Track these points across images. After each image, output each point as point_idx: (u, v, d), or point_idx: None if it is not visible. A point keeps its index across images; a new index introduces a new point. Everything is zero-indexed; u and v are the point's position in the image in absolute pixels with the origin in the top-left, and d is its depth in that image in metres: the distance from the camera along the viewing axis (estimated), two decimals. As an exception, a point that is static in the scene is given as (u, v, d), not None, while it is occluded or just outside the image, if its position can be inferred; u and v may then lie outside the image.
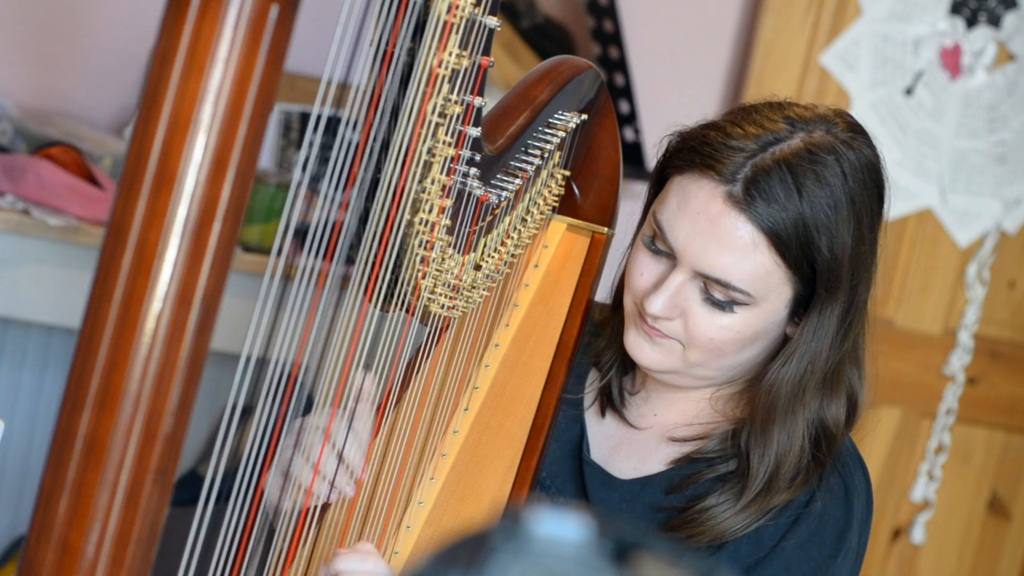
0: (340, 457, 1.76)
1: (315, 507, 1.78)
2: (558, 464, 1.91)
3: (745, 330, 1.79)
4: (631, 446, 1.90)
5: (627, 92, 3.56)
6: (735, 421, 1.86)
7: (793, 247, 1.75)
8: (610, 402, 1.92)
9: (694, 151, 1.79)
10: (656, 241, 1.82)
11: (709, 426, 1.87)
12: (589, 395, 1.95)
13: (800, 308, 1.81)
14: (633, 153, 3.49)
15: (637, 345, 1.84)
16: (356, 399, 1.76)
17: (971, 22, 3.74)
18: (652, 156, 3.72)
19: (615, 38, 3.59)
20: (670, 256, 1.81)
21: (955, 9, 3.73)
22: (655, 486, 1.86)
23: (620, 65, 3.58)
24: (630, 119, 3.55)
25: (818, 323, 1.79)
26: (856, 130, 1.81)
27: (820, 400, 1.82)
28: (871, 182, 1.80)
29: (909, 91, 3.74)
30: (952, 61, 3.75)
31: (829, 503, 1.81)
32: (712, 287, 1.78)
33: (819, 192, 1.75)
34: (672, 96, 3.69)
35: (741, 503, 1.79)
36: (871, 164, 1.80)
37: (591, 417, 1.94)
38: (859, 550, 1.83)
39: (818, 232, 1.75)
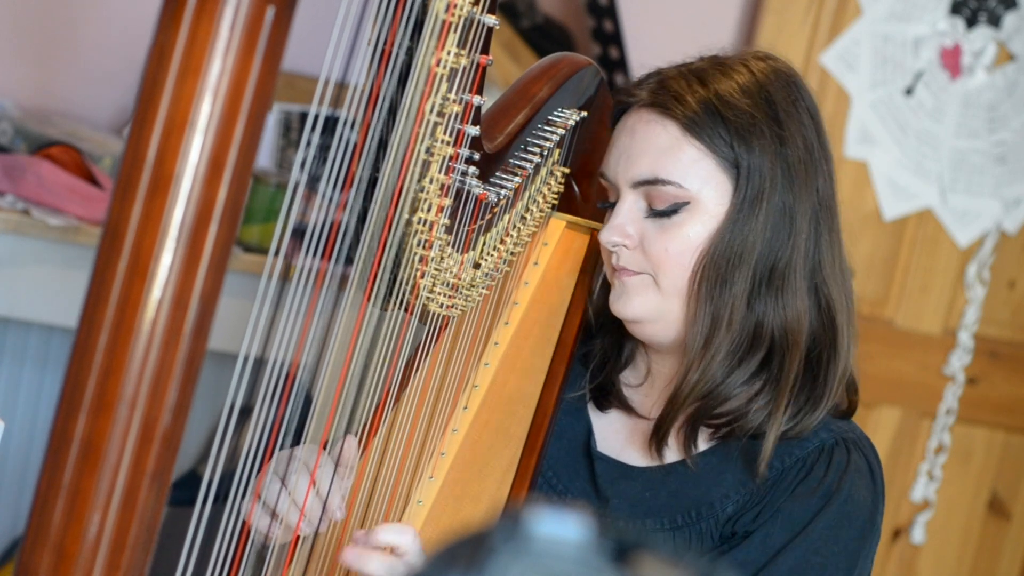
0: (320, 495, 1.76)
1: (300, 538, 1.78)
2: (565, 462, 1.91)
3: (697, 235, 1.81)
4: (643, 436, 1.90)
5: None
6: None
7: (706, 128, 1.80)
8: (609, 397, 1.92)
9: (615, 104, 1.89)
10: (606, 198, 1.88)
11: None
12: (585, 395, 1.95)
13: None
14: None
15: (617, 300, 1.86)
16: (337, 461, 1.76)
17: (971, 22, 3.74)
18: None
19: (615, 38, 3.59)
20: (617, 199, 1.85)
21: (955, 9, 3.73)
22: (678, 473, 1.86)
23: (620, 65, 3.58)
24: (630, 118, 3.55)
25: (746, 206, 1.81)
26: (772, 56, 1.88)
27: (766, 291, 1.82)
28: (793, 90, 1.85)
29: (909, 91, 3.74)
30: (952, 61, 3.75)
31: (857, 484, 1.82)
32: (653, 198, 1.82)
33: (726, 84, 1.82)
34: (672, 96, 3.68)
35: (685, 373, 1.82)
36: (791, 78, 1.86)
37: (593, 413, 1.93)
38: (880, 532, 1.85)
39: (729, 118, 1.80)
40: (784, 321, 1.82)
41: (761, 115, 1.81)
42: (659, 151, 1.81)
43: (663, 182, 1.80)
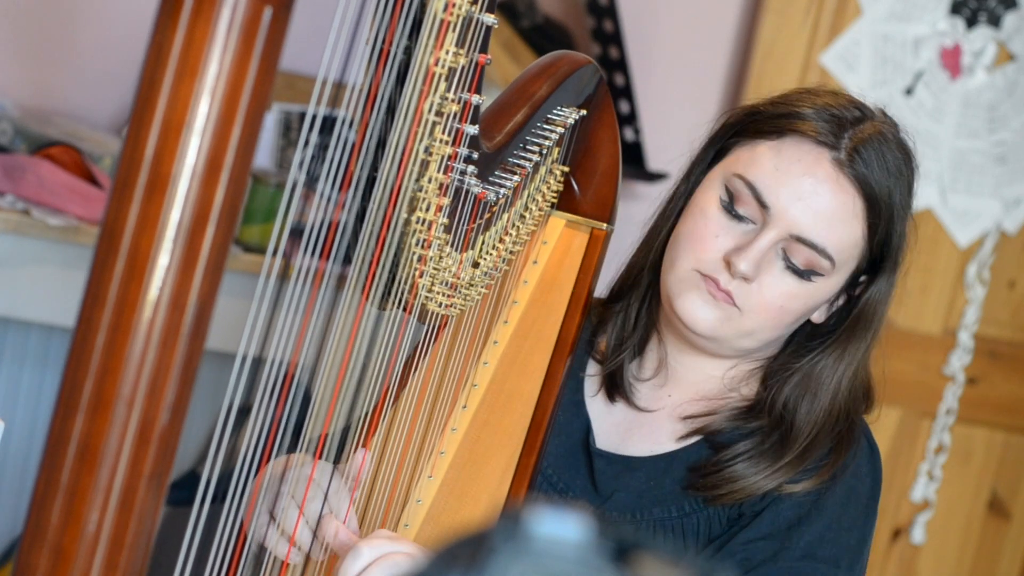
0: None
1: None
2: (564, 459, 1.91)
3: (811, 301, 1.83)
4: (643, 429, 1.90)
5: (627, 92, 3.56)
6: (744, 399, 1.87)
7: (883, 219, 1.81)
8: (618, 388, 1.92)
9: (784, 118, 1.83)
10: (736, 205, 1.83)
11: (717, 402, 1.88)
12: (593, 382, 1.95)
13: (851, 289, 1.87)
14: (633, 153, 3.49)
15: (696, 307, 1.83)
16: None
17: (971, 22, 3.74)
18: (652, 156, 3.73)
19: (615, 38, 3.59)
20: (751, 221, 1.82)
21: (955, 9, 3.73)
22: (680, 462, 1.86)
23: (620, 65, 3.58)
24: (630, 119, 3.55)
25: (877, 300, 1.86)
26: (896, 124, 1.90)
27: (855, 369, 1.87)
28: (914, 171, 1.87)
29: (909, 91, 3.74)
30: (952, 61, 3.75)
31: (861, 460, 1.84)
32: (795, 253, 1.80)
33: (899, 171, 1.82)
34: (672, 96, 3.68)
35: (777, 465, 1.82)
36: (913, 155, 1.88)
37: (596, 406, 1.93)
38: (878, 508, 1.87)
39: (898, 208, 1.82)
40: (856, 396, 1.87)
41: (907, 212, 1.84)
42: (837, 222, 1.80)
43: (824, 255, 1.80)
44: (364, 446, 1.82)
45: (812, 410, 1.83)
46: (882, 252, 1.84)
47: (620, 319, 1.94)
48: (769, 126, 1.83)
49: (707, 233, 1.83)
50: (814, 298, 1.83)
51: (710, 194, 1.85)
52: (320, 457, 1.78)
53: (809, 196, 1.79)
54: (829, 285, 1.83)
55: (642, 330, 1.93)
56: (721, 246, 1.82)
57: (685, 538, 1.83)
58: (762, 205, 1.80)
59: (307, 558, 1.78)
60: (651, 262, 1.92)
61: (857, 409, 1.87)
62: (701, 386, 1.90)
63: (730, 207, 1.83)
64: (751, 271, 1.79)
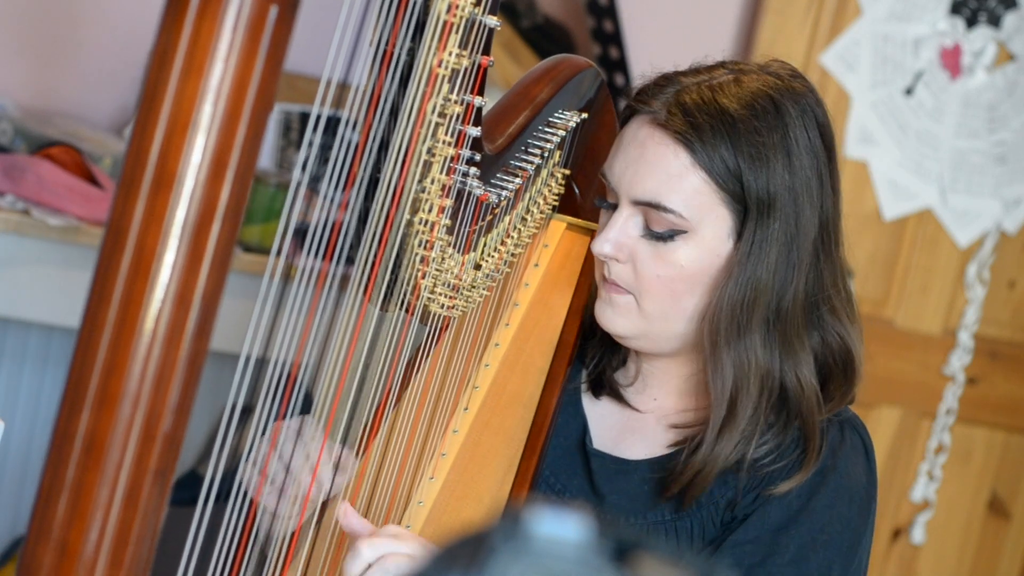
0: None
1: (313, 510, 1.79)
2: (561, 460, 1.91)
3: (690, 264, 1.80)
4: (635, 433, 1.90)
5: (627, 92, 3.56)
6: None
7: (717, 163, 1.78)
8: (603, 386, 1.93)
9: (631, 99, 1.84)
10: (607, 196, 1.86)
11: (705, 411, 1.87)
12: (581, 385, 1.96)
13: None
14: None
15: (602, 312, 1.86)
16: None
17: (971, 22, 3.74)
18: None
19: (615, 38, 3.59)
20: (613, 205, 1.84)
21: (955, 9, 3.73)
22: (675, 463, 1.86)
23: (620, 65, 3.58)
24: (630, 119, 3.55)
25: (754, 244, 1.80)
26: (794, 72, 1.86)
27: (776, 343, 1.82)
28: (808, 118, 1.82)
29: (909, 91, 3.74)
30: (952, 61, 3.75)
31: (853, 461, 1.83)
32: (651, 219, 1.80)
33: (743, 114, 1.78)
34: (672, 96, 3.68)
35: (710, 435, 1.80)
36: (807, 102, 1.83)
37: (591, 407, 1.94)
38: (875, 510, 1.86)
39: (741, 150, 1.78)
40: (797, 375, 1.82)
41: (773, 144, 1.79)
42: (666, 176, 1.79)
43: (664, 209, 1.79)
44: (366, 448, 1.82)
45: (715, 368, 1.81)
46: (741, 196, 1.79)
47: (598, 339, 1.95)
48: (623, 116, 1.86)
49: (593, 246, 1.86)
50: (691, 260, 1.80)
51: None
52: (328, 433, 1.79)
53: (636, 161, 1.80)
54: (699, 243, 1.80)
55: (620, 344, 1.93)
56: (597, 234, 1.85)
57: (679, 541, 1.83)
58: (611, 188, 1.83)
59: (308, 557, 1.79)
60: None
61: (807, 388, 1.82)
62: (681, 387, 1.90)
63: (602, 201, 1.86)
64: (610, 249, 1.81)
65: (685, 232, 1.80)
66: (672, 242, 1.80)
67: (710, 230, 1.80)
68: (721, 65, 1.84)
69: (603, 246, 1.82)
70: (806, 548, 1.78)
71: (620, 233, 1.81)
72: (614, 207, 1.84)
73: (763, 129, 1.78)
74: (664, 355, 1.88)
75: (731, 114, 1.78)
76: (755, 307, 1.80)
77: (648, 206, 1.79)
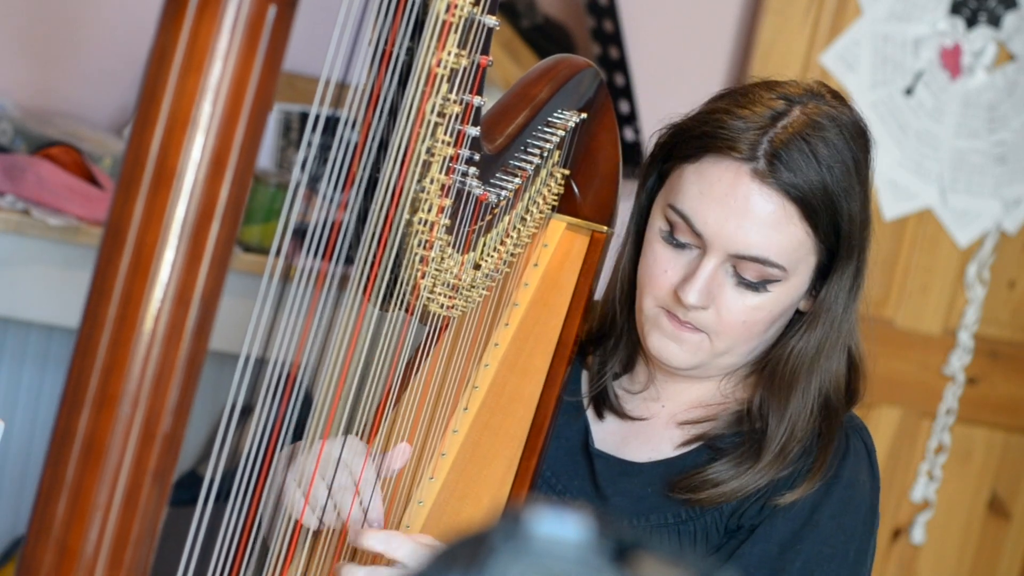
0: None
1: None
2: (563, 462, 1.91)
3: (775, 308, 1.81)
4: (640, 437, 1.90)
5: (627, 92, 3.56)
6: (740, 402, 1.87)
7: (822, 214, 1.77)
8: (607, 405, 1.92)
9: (701, 138, 1.80)
10: (676, 234, 1.82)
11: (715, 408, 1.87)
12: (584, 398, 1.96)
13: (818, 279, 1.84)
14: (633, 153, 3.49)
15: (664, 347, 1.84)
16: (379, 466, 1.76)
17: (971, 22, 3.74)
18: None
19: (615, 38, 3.59)
20: (694, 246, 1.81)
21: (955, 9, 3.73)
22: (676, 468, 1.86)
23: (620, 65, 3.58)
24: (630, 119, 3.55)
25: (838, 288, 1.82)
26: (839, 98, 1.86)
27: (830, 362, 1.85)
28: (865, 145, 1.84)
29: (909, 91, 3.74)
30: (952, 61, 3.75)
31: (857, 468, 1.83)
32: (744, 268, 1.79)
33: (833, 157, 1.78)
34: (672, 96, 3.68)
35: (758, 467, 1.80)
36: (862, 128, 1.84)
37: (591, 416, 1.94)
38: (879, 515, 1.87)
39: (839, 196, 1.78)
40: (832, 393, 1.84)
41: (854, 183, 1.79)
42: (771, 227, 1.77)
43: (770, 264, 1.78)
44: (367, 442, 1.82)
45: (782, 406, 1.82)
46: (835, 241, 1.81)
47: (603, 350, 1.95)
48: (690, 147, 1.81)
49: (657, 269, 1.83)
50: (778, 304, 1.81)
51: (654, 227, 1.85)
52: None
53: (737, 214, 1.77)
54: (789, 288, 1.81)
55: (627, 349, 1.93)
56: (671, 280, 1.82)
57: (682, 544, 1.83)
58: (695, 232, 1.80)
59: (310, 553, 1.79)
60: (621, 297, 1.92)
61: (838, 402, 1.85)
62: (695, 394, 1.90)
63: (670, 238, 1.83)
64: (699, 300, 1.79)
65: (779, 281, 1.80)
66: (764, 291, 1.80)
67: (800, 276, 1.81)
68: (770, 91, 1.82)
69: (693, 297, 1.79)
70: (812, 563, 1.78)
71: (710, 283, 1.80)
72: (691, 247, 1.81)
73: (849, 169, 1.79)
74: (703, 378, 1.89)
75: (827, 160, 1.77)
76: (831, 348, 1.83)
77: (749, 260, 1.78)
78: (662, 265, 1.83)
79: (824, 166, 1.77)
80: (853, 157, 1.80)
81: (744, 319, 1.80)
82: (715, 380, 1.89)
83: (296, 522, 1.75)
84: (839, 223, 1.79)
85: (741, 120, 1.78)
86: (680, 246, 1.82)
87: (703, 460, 1.85)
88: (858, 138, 1.82)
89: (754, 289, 1.79)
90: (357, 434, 1.81)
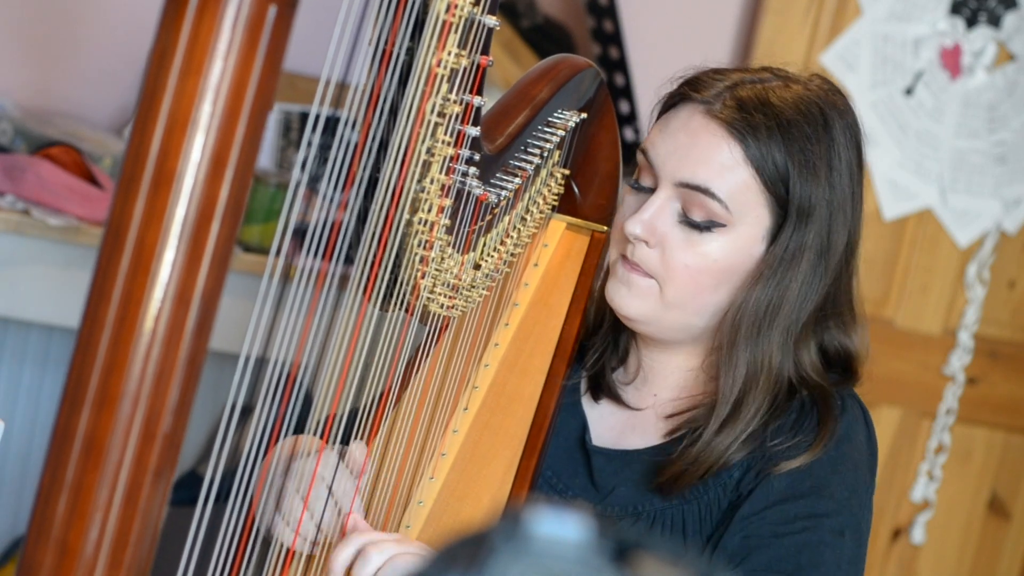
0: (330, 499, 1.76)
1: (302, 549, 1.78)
2: (562, 459, 1.91)
3: (722, 259, 1.81)
4: (636, 428, 1.91)
5: (627, 92, 3.56)
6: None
7: (768, 164, 1.79)
8: (602, 389, 1.93)
9: (677, 92, 1.86)
10: (639, 179, 1.86)
11: (700, 397, 1.88)
12: (582, 386, 1.96)
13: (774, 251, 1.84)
14: (633, 153, 3.49)
15: (615, 292, 1.86)
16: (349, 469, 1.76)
17: (971, 22, 3.74)
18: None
19: (615, 38, 3.59)
20: (652, 189, 1.84)
21: (955, 9, 3.73)
22: (662, 456, 1.86)
23: (620, 65, 3.58)
24: (630, 119, 3.55)
25: (790, 251, 1.81)
26: (835, 89, 1.87)
27: (790, 348, 1.83)
28: (849, 134, 1.84)
29: (909, 91, 3.74)
30: (952, 61, 3.75)
31: (855, 428, 1.84)
32: (691, 208, 1.81)
33: (796, 119, 1.80)
34: (672, 96, 3.68)
35: (711, 429, 1.81)
36: (849, 119, 1.85)
37: (588, 407, 1.94)
38: (875, 482, 1.86)
39: (792, 156, 1.80)
40: (801, 374, 1.84)
41: (820, 155, 1.81)
42: (718, 165, 1.80)
43: (711, 195, 1.80)
44: (367, 442, 1.82)
45: (729, 365, 1.82)
46: (785, 200, 1.81)
47: (600, 339, 1.95)
48: (668, 102, 1.87)
49: (621, 217, 1.87)
50: (725, 255, 1.81)
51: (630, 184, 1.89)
52: (326, 441, 1.78)
53: (685, 147, 1.81)
54: (735, 239, 1.81)
55: (621, 340, 1.93)
56: (627, 214, 1.86)
57: (686, 526, 1.83)
58: (650, 164, 1.84)
59: (310, 554, 1.79)
60: None
61: (817, 379, 1.84)
62: (681, 381, 1.91)
63: (635, 184, 1.87)
64: (643, 231, 1.82)
65: (723, 225, 1.81)
66: (708, 233, 1.81)
67: (747, 228, 1.81)
68: (766, 70, 1.87)
69: (635, 227, 1.82)
70: (816, 516, 1.78)
71: (655, 216, 1.82)
72: (650, 191, 1.84)
73: (813, 138, 1.81)
74: (666, 345, 1.89)
75: (786, 118, 1.80)
76: (779, 312, 1.82)
77: (694, 190, 1.80)
78: (624, 212, 1.86)
79: (781, 124, 1.80)
80: (830, 136, 1.82)
81: (686, 262, 1.81)
82: (696, 364, 1.89)
83: (252, 503, 1.75)
84: (789, 182, 1.80)
85: (715, 76, 1.84)
86: (641, 189, 1.85)
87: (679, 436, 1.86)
88: (839, 122, 1.83)
89: (698, 230, 1.81)
90: (357, 434, 1.81)
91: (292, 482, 1.76)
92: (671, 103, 1.86)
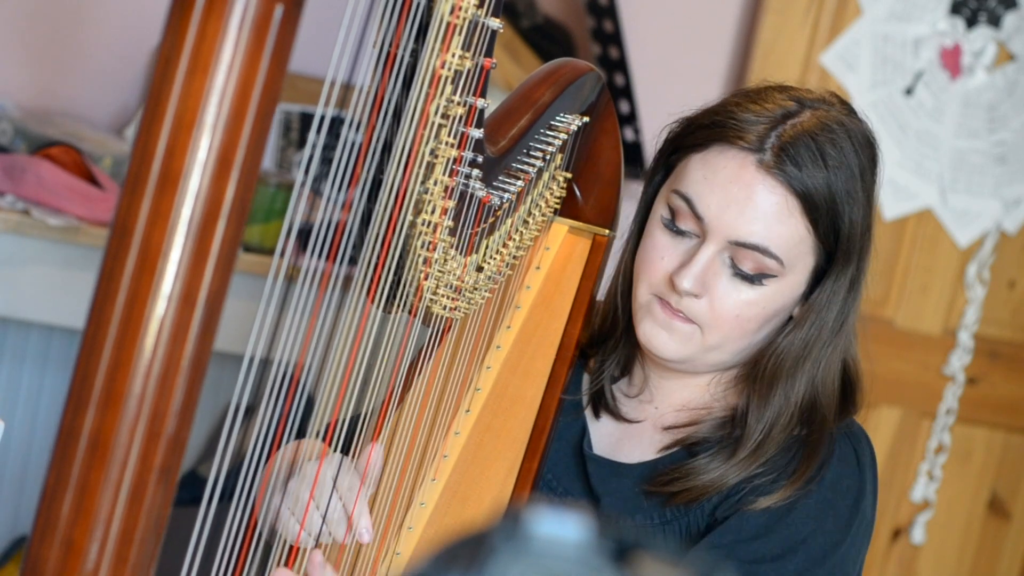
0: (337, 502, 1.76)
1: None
2: (562, 464, 1.91)
3: (769, 305, 1.81)
4: (633, 438, 1.90)
5: (627, 92, 3.57)
6: (727, 408, 1.87)
7: (823, 212, 1.78)
8: (603, 405, 1.93)
9: (711, 127, 1.81)
10: (677, 221, 1.83)
11: (702, 411, 1.87)
12: (583, 398, 1.96)
13: (814, 284, 1.84)
14: (633, 153, 3.49)
15: (655, 335, 1.83)
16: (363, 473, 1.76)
17: (971, 22, 3.75)
18: (652, 156, 3.73)
19: (615, 38, 3.59)
20: (694, 234, 1.81)
21: (955, 9, 3.73)
22: (655, 470, 1.86)
23: (620, 65, 3.58)
24: (630, 119, 3.55)
25: (831, 292, 1.82)
26: (850, 109, 1.86)
27: (817, 371, 1.84)
28: (872, 156, 1.84)
29: (909, 91, 3.75)
30: (952, 61, 3.75)
31: (840, 472, 1.82)
32: (742, 259, 1.79)
33: (839, 160, 1.79)
34: (672, 96, 3.68)
35: (732, 460, 1.80)
36: (870, 139, 1.85)
37: (589, 415, 1.94)
38: (871, 520, 1.85)
39: (842, 199, 1.79)
40: (818, 397, 1.84)
41: (858, 190, 1.80)
42: (772, 218, 1.78)
43: (768, 254, 1.78)
44: (373, 440, 1.82)
45: (762, 405, 1.82)
46: (834, 244, 1.81)
47: (603, 351, 1.95)
48: (699, 137, 1.82)
49: (654, 255, 1.84)
50: (773, 301, 1.81)
51: (656, 215, 1.85)
52: (329, 445, 1.78)
53: (740, 201, 1.78)
54: (784, 286, 1.81)
55: (626, 350, 1.93)
56: (667, 266, 1.82)
57: (667, 543, 1.82)
58: (697, 217, 1.80)
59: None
60: (622, 290, 1.92)
61: (826, 411, 1.83)
62: (686, 396, 1.90)
63: (671, 224, 1.83)
64: (694, 287, 1.79)
65: (775, 276, 1.80)
66: (759, 284, 1.80)
67: (796, 275, 1.81)
68: (783, 92, 1.83)
69: (686, 282, 1.79)
70: (780, 556, 1.77)
71: (706, 270, 1.80)
72: (691, 236, 1.82)
73: (854, 175, 1.80)
74: (690, 374, 1.89)
75: (833, 160, 1.78)
76: (815, 347, 1.82)
77: (747, 248, 1.78)
78: (660, 251, 1.83)
79: (830, 167, 1.78)
80: (859, 164, 1.81)
81: (737, 313, 1.80)
82: (705, 382, 1.89)
83: (255, 505, 1.75)
84: (839, 225, 1.79)
85: (751, 113, 1.79)
86: (680, 233, 1.83)
87: (680, 461, 1.85)
88: (866, 148, 1.83)
89: (749, 282, 1.79)
90: (359, 435, 1.81)
91: (295, 481, 1.76)
92: (705, 141, 1.82)
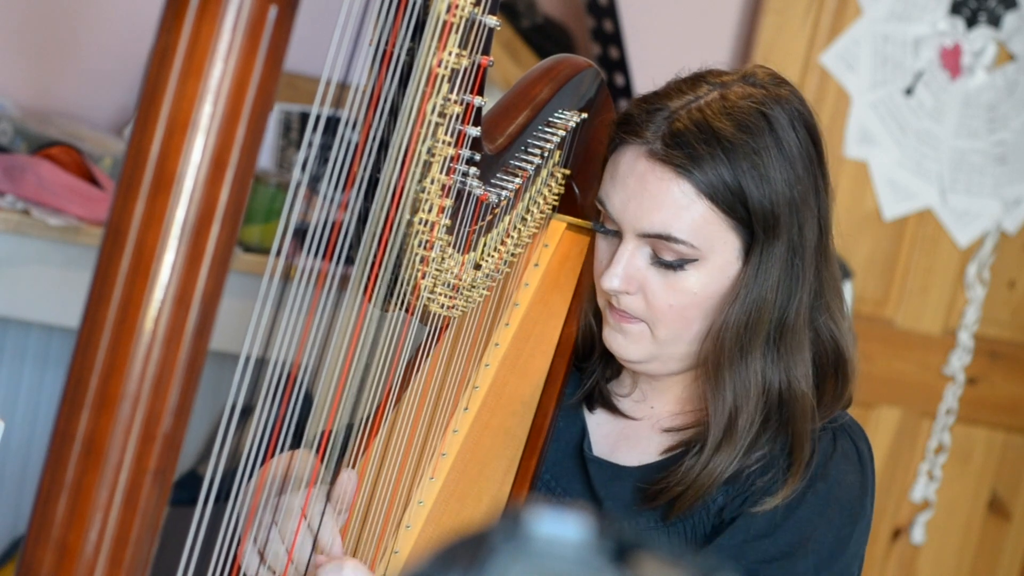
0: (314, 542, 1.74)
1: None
2: (562, 464, 1.91)
3: (702, 290, 1.80)
4: (630, 440, 1.90)
5: (627, 92, 3.56)
6: None
7: (721, 190, 1.77)
8: (600, 401, 1.92)
9: (619, 127, 1.82)
10: (604, 222, 1.84)
11: (700, 413, 1.87)
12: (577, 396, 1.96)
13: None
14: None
15: (613, 339, 1.85)
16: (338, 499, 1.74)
17: (971, 22, 3.74)
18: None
19: (615, 38, 3.59)
20: (617, 232, 1.82)
21: (955, 9, 3.73)
22: (655, 473, 1.86)
23: (620, 65, 3.58)
24: (630, 119, 3.55)
25: (760, 265, 1.80)
26: (777, 78, 1.85)
27: (776, 354, 1.82)
28: (797, 124, 1.82)
29: (909, 91, 3.74)
30: (952, 61, 3.75)
31: (844, 469, 1.82)
32: (661, 250, 1.79)
33: (738, 135, 1.77)
34: (672, 96, 3.68)
35: (710, 454, 1.80)
36: (795, 107, 1.82)
37: (588, 418, 1.94)
38: (870, 518, 1.84)
39: (744, 174, 1.77)
40: (790, 381, 1.82)
41: (771, 161, 1.78)
42: (673, 208, 1.77)
43: (674, 240, 1.78)
44: (366, 448, 1.82)
45: (719, 388, 1.81)
46: (748, 220, 1.79)
47: (593, 354, 1.95)
48: (613, 142, 1.83)
49: (597, 263, 1.86)
50: (705, 286, 1.80)
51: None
52: (322, 457, 1.78)
53: (637, 194, 1.79)
54: (712, 268, 1.80)
55: (611, 354, 1.93)
56: (602, 266, 1.84)
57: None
58: (613, 220, 1.81)
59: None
60: (590, 297, 1.93)
61: (801, 395, 1.82)
62: (681, 394, 1.90)
63: (602, 228, 1.85)
64: (621, 285, 1.80)
65: (695, 260, 1.79)
66: (683, 271, 1.79)
67: (719, 255, 1.80)
68: (703, 80, 1.82)
69: (612, 281, 1.80)
70: (792, 556, 1.77)
71: (628, 266, 1.80)
72: (615, 234, 1.82)
73: (760, 148, 1.77)
74: (668, 374, 1.88)
75: (727, 138, 1.77)
76: (759, 325, 1.80)
77: (657, 238, 1.79)
78: (599, 256, 1.85)
79: (725, 143, 1.76)
80: (773, 135, 1.78)
81: (671, 302, 1.80)
82: (692, 378, 1.88)
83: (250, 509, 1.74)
84: (748, 202, 1.78)
85: (643, 106, 1.81)
86: (607, 234, 1.84)
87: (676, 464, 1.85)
88: (785, 116, 1.80)
89: (674, 270, 1.80)
90: (356, 435, 1.81)
91: (276, 517, 1.74)
92: (615, 145, 1.83)
